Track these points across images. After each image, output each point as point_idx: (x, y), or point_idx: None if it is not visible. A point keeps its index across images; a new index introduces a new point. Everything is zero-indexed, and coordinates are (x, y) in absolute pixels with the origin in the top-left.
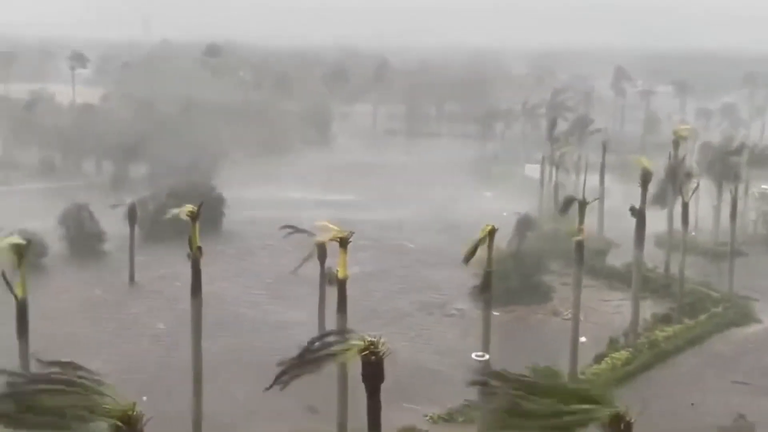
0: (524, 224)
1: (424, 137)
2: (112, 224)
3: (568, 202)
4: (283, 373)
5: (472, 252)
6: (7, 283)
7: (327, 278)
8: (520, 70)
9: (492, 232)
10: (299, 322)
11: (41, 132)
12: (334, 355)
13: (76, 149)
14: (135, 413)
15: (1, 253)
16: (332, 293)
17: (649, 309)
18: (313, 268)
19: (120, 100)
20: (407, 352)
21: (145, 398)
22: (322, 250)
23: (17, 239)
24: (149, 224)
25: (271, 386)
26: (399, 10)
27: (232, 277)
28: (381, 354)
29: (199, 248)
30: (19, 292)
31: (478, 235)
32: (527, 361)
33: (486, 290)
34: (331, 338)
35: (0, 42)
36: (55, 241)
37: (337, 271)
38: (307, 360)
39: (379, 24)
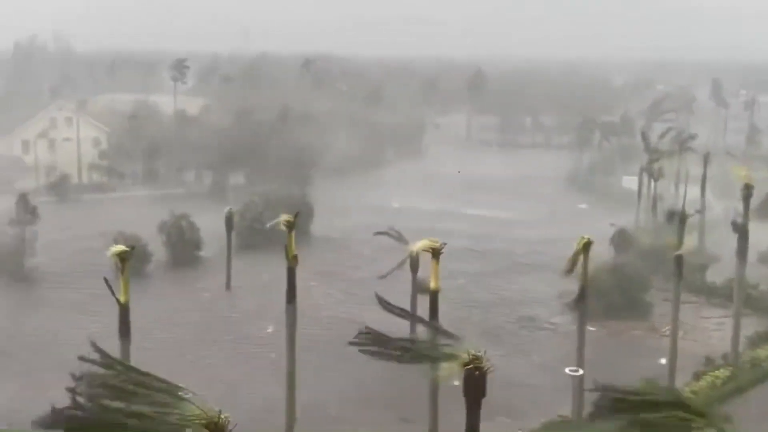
0: (622, 237)
1: (519, 148)
2: (211, 232)
3: (672, 214)
4: (366, 336)
5: (572, 265)
6: (110, 288)
7: (419, 288)
8: (618, 81)
9: (587, 245)
10: (391, 333)
11: (144, 141)
12: (434, 361)
13: (177, 158)
14: (221, 420)
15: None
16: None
17: (751, 327)
18: (408, 277)
19: (219, 111)
20: (501, 365)
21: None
22: (414, 260)
23: (122, 246)
24: (246, 232)
25: (352, 342)
26: (494, 21)
27: (326, 284)
28: (485, 369)
29: (295, 256)
30: (121, 297)
31: (574, 247)
32: (622, 377)
33: (581, 304)
34: (428, 343)
35: (107, 53)
36: (157, 248)
37: (429, 281)
38: (397, 346)
39: (474, 35)
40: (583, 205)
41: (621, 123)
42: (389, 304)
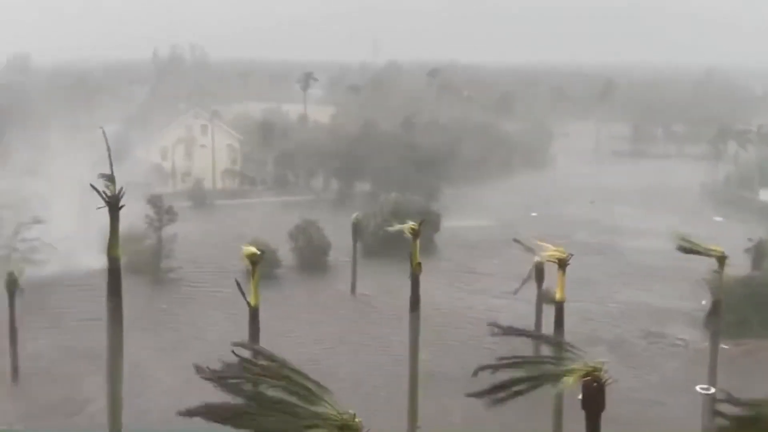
0: (759, 252)
1: (650, 158)
2: (338, 238)
3: None
4: (496, 390)
5: (717, 280)
6: (241, 291)
7: (544, 299)
8: (759, 90)
9: (722, 259)
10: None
11: (275, 149)
12: (557, 377)
13: (306, 166)
14: (354, 423)
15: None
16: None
17: None
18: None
19: (347, 120)
20: (627, 379)
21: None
22: (539, 271)
23: (253, 249)
24: (372, 239)
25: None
26: (622, 28)
27: (450, 293)
28: (603, 381)
29: (419, 264)
30: (252, 300)
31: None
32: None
33: (714, 320)
34: (551, 359)
35: (241, 63)
36: (286, 253)
37: (555, 292)
38: (522, 380)
39: (602, 42)
40: (719, 218)
41: (758, 133)
42: (506, 328)
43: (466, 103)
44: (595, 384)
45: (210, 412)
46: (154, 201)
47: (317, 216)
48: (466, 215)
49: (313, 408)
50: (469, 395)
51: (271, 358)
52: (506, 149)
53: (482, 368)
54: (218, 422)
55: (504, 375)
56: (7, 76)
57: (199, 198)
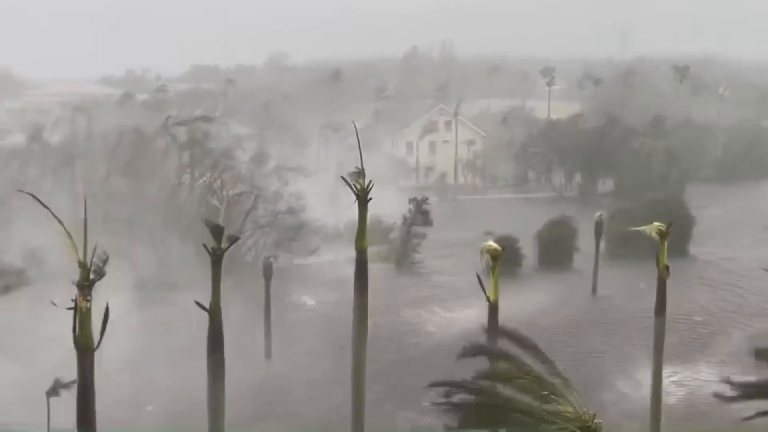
0: None
1: None
2: (579, 236)
3: None
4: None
5: None
6: (482, 286)
7: None
8: None
9: None
10: None
11: (517, 145)
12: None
13: (547, 162)
14: (594, 425)
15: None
16: None
17: None
18: None
19: (591, 116)
20: None
21: None
22: None
23: (494, 245)
24: (615, 239)
25: None
26: None
27: (702, 302)
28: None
29: (667, 267)
30: (491, 295)
31: None
32: None
33: None
34: None
35: (486, 59)
36: (528, 250)
37: None
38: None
39: None
40: None
41: None
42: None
43: (720, 101)
44: None
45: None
46: (418, 201)
47: (558, 214)
48: (722, 221)
49: (549, 407)
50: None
51: (507, 355)
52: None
53: (434, 385)
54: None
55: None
56: (266, 75)
57: (442, 192)
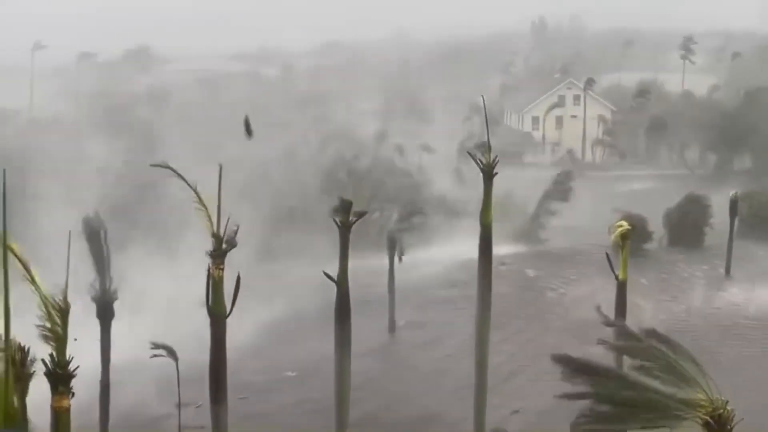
0: None
1: None
2: (713, 215)
3: None
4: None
5: None
6: (610, 265)
7: None
8: None
9: None
10: None
11: (648, 121)
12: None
13: (681, 139)
14: (725, 412)
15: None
16: None
17: None
18: None
19: (729, 91)
20: None
21: None
22: None
23: (624, 223)
24: (751, 219)
25: None
26: None
27: None
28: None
29: None
30: (620, 274)
31: None
32: None
33: None
34: None
35: (618, 31)
36: (659, 228)
37: None
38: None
39: None
40: None
41: None
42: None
43: None
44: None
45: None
46: (560, 176)
47: (689, 191)
48: None
49: (680, 394)
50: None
51: (637, 336)
52: None
53: (558, 360)
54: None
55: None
56: (390, 51)
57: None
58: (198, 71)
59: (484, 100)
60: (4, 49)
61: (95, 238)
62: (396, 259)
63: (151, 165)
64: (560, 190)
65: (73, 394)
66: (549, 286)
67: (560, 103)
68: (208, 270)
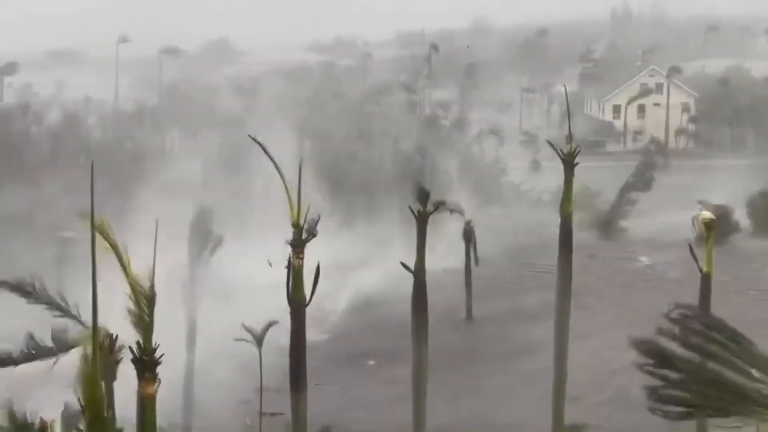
0: None
1: None
2: None
3: None
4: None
5: None
6: (694, 256)
7: None
8: None
9: None
10: None
11: (734, 108)
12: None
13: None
14: None
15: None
16: None
17: None
18: None
19: None
20: None
21: None
22: None
23: (708, 214)
24: None
25: None
26: None
27: None
28: None
29: None
30: (705, 266)
31: None
32: None
33: None
34: None
35: (701, 18)
36: (744, 219)
37: None
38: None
39: None
40: None
41: None
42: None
43: None
44: None
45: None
46: (641, 166)
47: None
48: None
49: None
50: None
51: (720, 328)
52: None
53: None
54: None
55: None
56: (470, 38)
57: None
58: (277, 62)
59: (566, 89)
60: (90, 43)
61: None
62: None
63: (249, 136)
64: (641, 179)
65: (159, 380)
66: None
67: (642, 90)
68: (289, 259)
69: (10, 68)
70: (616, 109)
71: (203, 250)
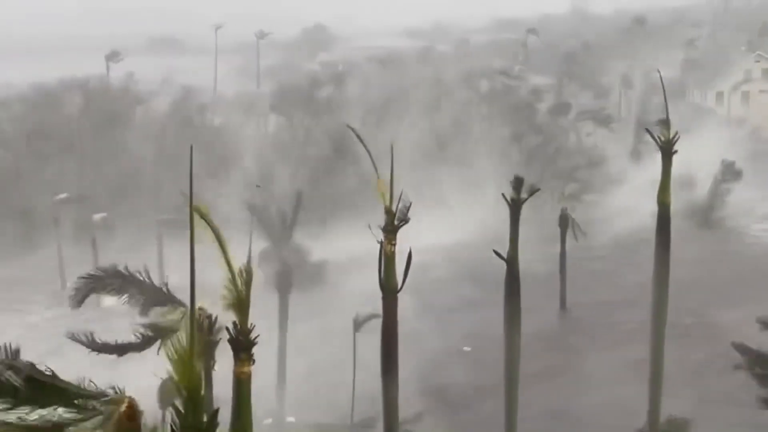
0: None
1: None
2: None
3: None
4: None
5: None
6: None
7: None
8: None
9: None
10: None
11: None
12: None
13: None
14: None
15: None
16: None
17: None
18: None
19: None
20: None
21: None
22: None
23: None
24: None
25: None
26: None
27: None
28: None
29: None
30: None
31: None
32: None
33: None
34: None
35: None
36: None
37: None
38: None
39: None
40: None
41: None
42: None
43: None
44: None
45: None
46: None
47: None
48: None
49: None
50: None
51: None
52: None
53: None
54: None
55: None
56: (569, 24)
57: (757, 147)
58: (372, 48)
59: (660, 74)
60: (189, 33)
61: (274, 213)
62: (574, 237)
63: (347, 125)
64: (732, 171)
65: (254, 361)
66: None
67: (747, 77)
68: (381, 245)
69: (114, 55)
70: (719, 96)
71: (288, 235)
